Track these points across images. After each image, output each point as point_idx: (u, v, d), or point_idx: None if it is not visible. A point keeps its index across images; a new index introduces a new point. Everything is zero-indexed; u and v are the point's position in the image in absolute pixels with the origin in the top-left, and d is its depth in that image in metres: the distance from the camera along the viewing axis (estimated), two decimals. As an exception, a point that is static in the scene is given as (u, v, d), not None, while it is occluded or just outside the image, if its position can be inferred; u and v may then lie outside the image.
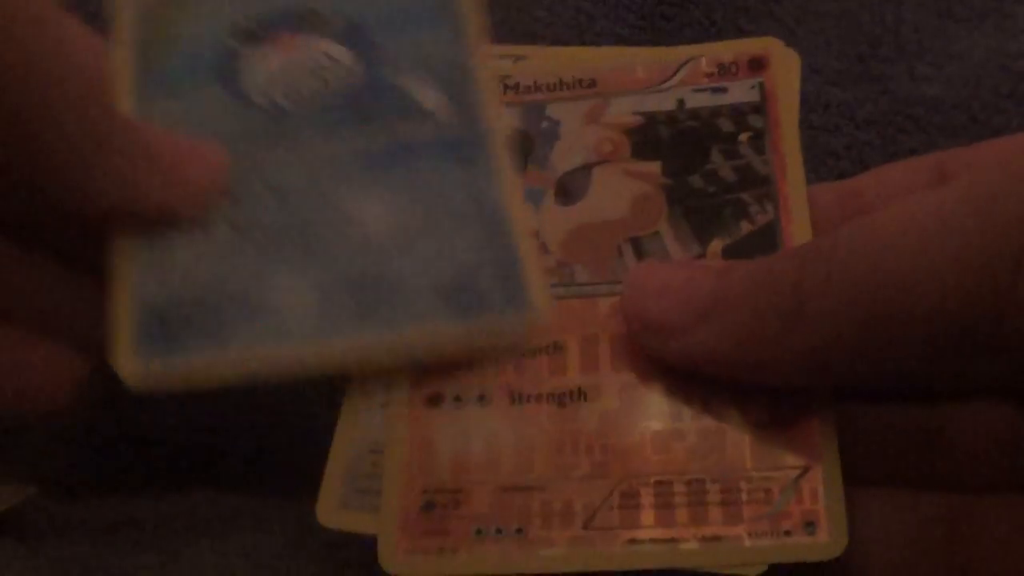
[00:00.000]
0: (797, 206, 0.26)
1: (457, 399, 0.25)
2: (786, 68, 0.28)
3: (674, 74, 0.28)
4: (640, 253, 0.26)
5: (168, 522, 0.33)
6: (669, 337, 0.24)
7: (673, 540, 0.24)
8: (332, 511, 0.26)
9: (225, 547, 0.32)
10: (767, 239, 0.26)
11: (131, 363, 0.25)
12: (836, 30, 0.36)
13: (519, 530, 0.24)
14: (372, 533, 0.25)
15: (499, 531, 0.24)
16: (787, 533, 0.23)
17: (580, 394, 0.25)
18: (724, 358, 0.23)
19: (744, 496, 0.24)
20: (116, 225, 0.26)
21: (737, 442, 0.24)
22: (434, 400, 0.25)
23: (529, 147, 0.28)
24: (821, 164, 0.34)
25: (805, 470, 0.24)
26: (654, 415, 0.25)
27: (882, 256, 0.21)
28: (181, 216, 0.25)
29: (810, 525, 0.24)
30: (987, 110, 0.35)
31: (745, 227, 0.26)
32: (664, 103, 0.28)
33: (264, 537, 0.32)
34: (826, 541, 0.23)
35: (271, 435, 0.35)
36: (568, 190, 0.27)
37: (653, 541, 0.24)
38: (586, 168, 0.28)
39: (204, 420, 0.35)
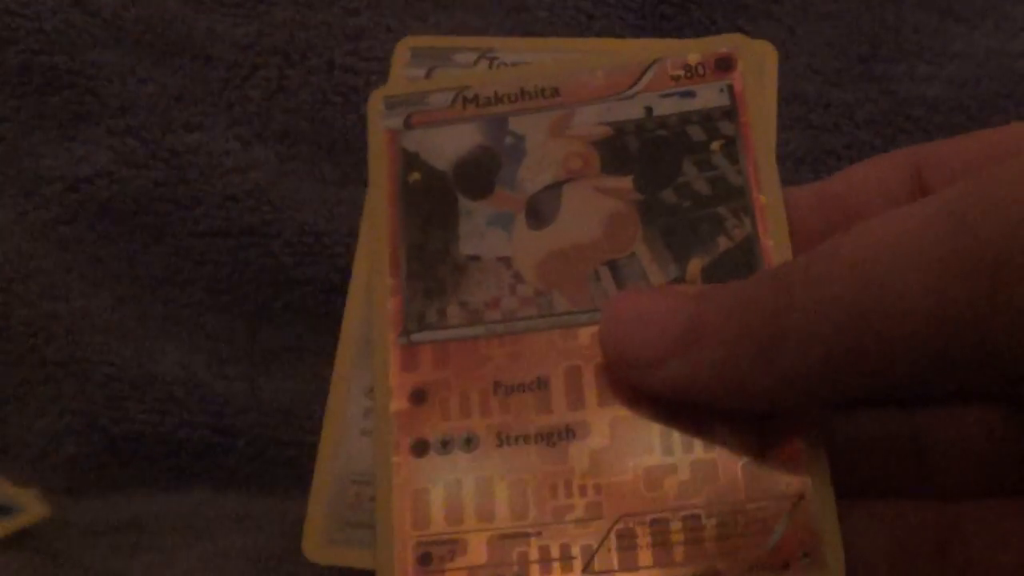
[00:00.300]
0: (774, 217, 0.26)
1: (444, 444, 0.25)
2: (756, 67, 0.27)
3: (639, 78, 0.27)
4: (618, 277, 0.26)
5: (168, 522, 0.33)
6: (649, 369, 0.24)
7: None
8: (319, 546, 0.26)
9: (225, 547, 0.32)
10: (746, 255, 0.26)
11: None
12: (836, 30, 0.36)
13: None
14: (361, 567, 0.25)
15: None
16: (785, 566, 0.23)
17: (568, 432, 0.25)
18: (706, 386, 0.23)
19: (740, 530, 0.24)
20: None
21: (730, 474, 0.24)
22: (420, 448, 0.25)
23: (496, 166, 0.27)
24: (821, 164, 0.34)
25: (799, 498, 0.24)
26: (644, 450, 0.24)
27: (860, 277, 0.21)
28: None
29: (807, 556, 0.23)
30: (987, 110, 0.35)
31: (723, 243, 0.26)
32: (631, 112, 0.27)
33: (264, 537, 0.32)
34: (824, 570, 0.23)
35: (271, 435, 0.35)
36: (539, 212, 0.27)
37: None
38: (555, 187, 0.27)
39: (204, 420, 0.35)
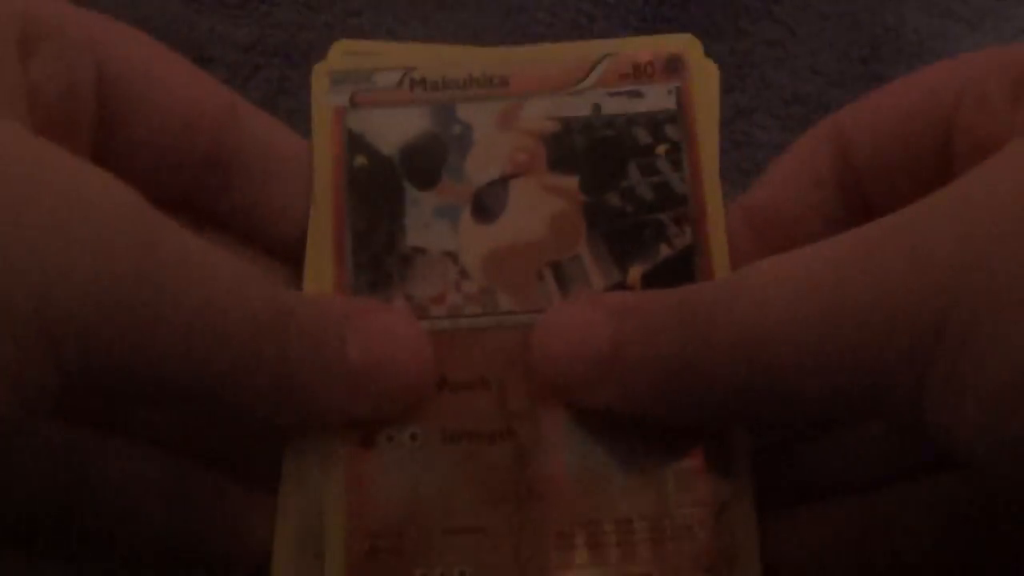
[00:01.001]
0: (714, 227, 0.26)
1: (390, 439, 0.25)
2: (704, 75, 0.27)
3: (589, 73, 0.27)
4: (560, 279, 0.26)
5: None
6: (579, 392, 0.24)
7: None
8: None
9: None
10: (685, 264, 0.26)
11: None
12: (837, 31, 0.36)
13: (462, 573, 0.24)
14: None
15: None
16: (708, 570, 0.24)
17: (510, 433, 0.25)
18: (633, 407, 0.24)
19: (669, 533, 0.24)
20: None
21: (661, 481, 0.25)
22: (367, 441, 0.25)
23: (443, 154, 0.27)
24: (821, 164, 0.34)
25: (724, 506, 0.25)
26: (583, 454, 0.25)
27: (758, 325, 0.22)
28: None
29: (728, 560, 0.24)
30: (987, 110, 0.35)
31: (664, 251, 0.26)
32: (579, 108, 0.27)
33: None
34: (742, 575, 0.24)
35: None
36: (486, 207, 0.26)
37: None
38: (503, 181, 0.27)
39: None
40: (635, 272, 0.26)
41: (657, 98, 0.27)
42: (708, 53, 0.32)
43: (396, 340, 0.24)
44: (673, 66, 0.27)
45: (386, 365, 0.24)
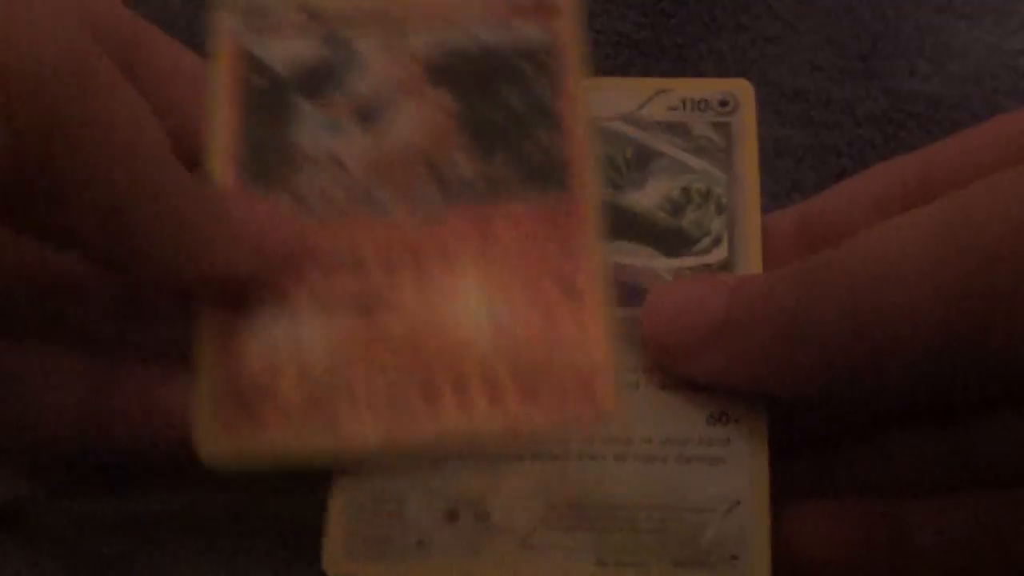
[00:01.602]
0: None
1: (262, 303, 0.26)
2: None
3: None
4: (439, 178, 0.28)
5: (168, 521, 0.33)
6: (688, 359, 0.25)
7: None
8: (339, 560, 0.26)
9: (225, 545, 0.32)
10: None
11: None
12: (837, 26, 0.37)
13: (330, 419, 0.25)
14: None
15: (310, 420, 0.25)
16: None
17: (387, 307, 0.26)
18: (738, 375, 0.24)
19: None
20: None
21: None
22: (241, 301, 0.26)
23: (332, 74, 0.29)
24: (822, 161, 0.35)
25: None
26: (455, 320, 0.26)
27: (863, 285, 0.22)
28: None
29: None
30: (987, 107, 0.35)
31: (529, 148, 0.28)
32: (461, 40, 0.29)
33: (263, 536, 0.32)
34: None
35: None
36: (369, 117, 0.28)
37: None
38: (387, 96, 0.29)
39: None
40: (502, 159, 0.27)
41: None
42: (707, 49, 0.32)
43: (269, 212, 0.26)
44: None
45: (263, 225, 0.26)
